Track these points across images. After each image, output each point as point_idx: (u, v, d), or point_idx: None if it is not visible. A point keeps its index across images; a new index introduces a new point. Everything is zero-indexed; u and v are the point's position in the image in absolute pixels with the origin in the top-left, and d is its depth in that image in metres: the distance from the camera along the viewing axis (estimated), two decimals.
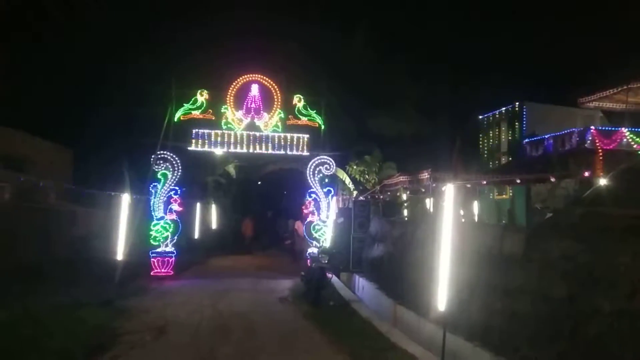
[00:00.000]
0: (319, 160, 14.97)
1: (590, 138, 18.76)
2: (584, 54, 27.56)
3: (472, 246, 5.97)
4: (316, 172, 14.94)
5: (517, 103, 23.80)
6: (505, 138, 24.87)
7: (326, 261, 11.23)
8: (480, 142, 26.42)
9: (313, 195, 15.01)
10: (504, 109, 24.88)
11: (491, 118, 25.97)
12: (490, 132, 25.99)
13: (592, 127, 19.20)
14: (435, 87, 24.51)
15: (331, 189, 15.19)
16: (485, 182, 18.13)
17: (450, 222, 5.44)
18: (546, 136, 20.94)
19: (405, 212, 17.15)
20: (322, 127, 15.18)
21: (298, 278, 12.72)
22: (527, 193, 21.10)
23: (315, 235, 14.87)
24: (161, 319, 9.22)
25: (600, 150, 18.41)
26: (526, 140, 22.47)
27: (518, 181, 15.85)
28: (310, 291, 11.17)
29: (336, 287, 12.45)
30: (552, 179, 13.38)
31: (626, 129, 18.86)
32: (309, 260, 14.01)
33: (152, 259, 14.08)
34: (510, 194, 23.00)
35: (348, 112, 18.60)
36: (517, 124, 23.82)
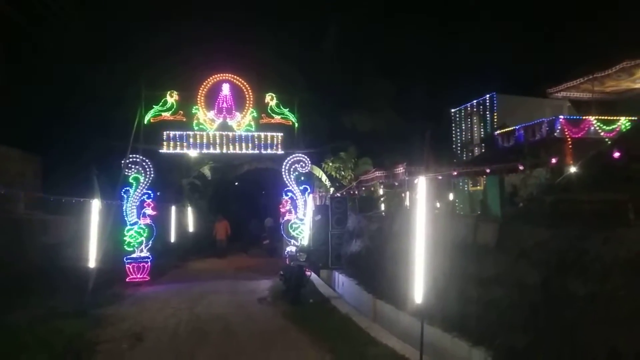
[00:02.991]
0: (294, 159, 14.88)
1: (559, 127, 19.16)
2: (552, 47, 28.14)
3: (446, 237, 6.00)
4: (292, 170, 14.85)
5: (487, 95, 24.13)
6: (477, 130, 25.20)
7: (304, 259, 11.17)
8: (453, 135, 26.72)
9: (289, 194, 14.92)
10: (475, 101, 25.19)
11: (462, 111, 26.26)
12: (463, 124, 26.32)
13: (561, 116, 19.60)
14: (407, 82, 24.66)
15: (307, 186, 15.12)
16: (455, 173, 18.35)
17: (424, 214, 5.46)
18: (517, 127, 21.29)
19: (382, 207, 17.22)
20: (296, 125, 15.11)
21: (276, 277, 12.66)
22: (501, 184, 21.44)
23: (293, 233, 14.80)
24: (138, 325, 9.04)
25: (569, 139, 18.83)
26: (497, 131, 22.82)
27: (488, 171, 16.06)
28: (290, 290, 11.11)
29: (316, 285, 12.43)
30: (521, 167, 13.59)
31: (593, 118, 19.33)
32: (287, 259, 13.93)
33: (127, 265, 13.80)
34: (484, 186, 23.32)
35: (322, 109, 18.53)
36: (488, 115, 24.16)
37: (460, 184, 24.80)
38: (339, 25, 20.81)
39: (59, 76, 15.51)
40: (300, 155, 14.94)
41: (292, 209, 14.88)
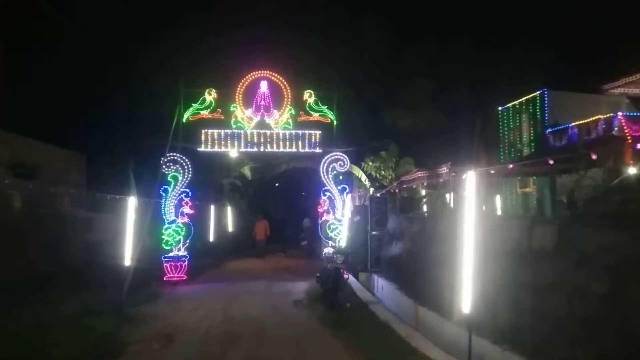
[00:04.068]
0: (332, 157, 14.45)
1: (617, 125, 17.91)
2: (604, 39, 26.41)
3: (497, 240, 5.40)
4: (330, 169, 14.42)
5: (538, 92, 22.89)
6: (527, 129, 23.96)
7: (341, 261, 10.69)
8: (500, 135, 25.54)
9: (327, 194, 14.49)
10: (524, 98, 23.96)
11: (511, 109, 25.07)
12: (511, 123, 25.11)
13: (620, 113, 18.31)
14: (450, 79, 23.76)
15: (346, 186, 14.66)
16: (511, 166, 17.38)
17: (473, 214, 4.89)
18: (570, 125, 20.08)
19: (425, 208, 16.54)
20: (335, 122, 14.67)
21: (314, 280, 12.27)
22: (552, 185, 20.35)
23: (331, 234, 14.36)
24: (170, 326, 8.86)
25: (629, 137, 17.55)
26: (549, 130, 21.62)
27: (551, 162, 15.01)
28: (326, 293, 10.68)
29: (354, 288, 11.93)
30: (593, 156, 12.63)
31: None
32: (324, 261, 13.52)
33: (164, 264, 13.75)
34: (534, 187, 22.19)
35: (362, 107, 18.01)
36: (538, 113, 22.92)
37: (509, 185, 23.70)
38: (379, 17, 20.20)
39: (91, 72, 15.70)
40: (338, 153, 14.49)
41: (330, 210, 14.44)
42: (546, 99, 22.74)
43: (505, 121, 25.50)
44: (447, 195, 17.38)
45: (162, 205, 13.87)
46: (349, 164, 14.60)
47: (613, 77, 21.84)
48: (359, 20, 19.10)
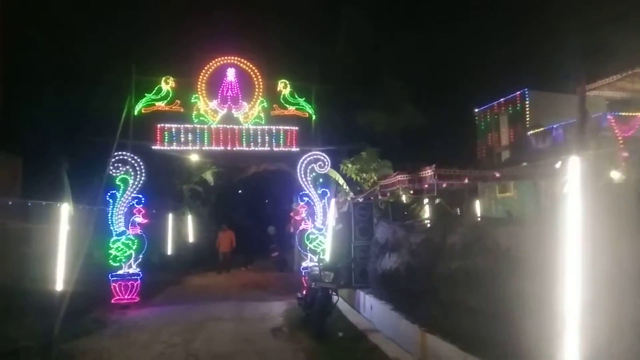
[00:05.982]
0: (312, 157, 12.57)
1: (607, 125, 17.07)
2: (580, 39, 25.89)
3: (603, 257, 3.70)
4: (308, 170, 12.55)
5: (518, 92, 21.92)
6: (506, 131, 22.95)
7: (330, 280, 8.84)
8: (478, 138, 24.46)
9: (306, 199, 12.60)
10: (502, 99, 22.96)
11: (488, 111, 24.06)
12: (490, 125, 24.06)
13: (609, 113, 17.50)
14: (429, 79, 22.66)
15: (327, 190, 12.83)
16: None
17: (580, 220, 3.18)
18: (554, 126, 19.14)
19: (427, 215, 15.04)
20: (314, 117, 12.87)
21: (291, 298, 10.38)
22: (536, 189, 19.44)
23: (310, 246, 12.46)
24: None
25: (620, 138, 16.70)
26: (530, 132, 20.66)
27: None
28: (311, 318, 8.82)
29: (341, 310, 10.08)
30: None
31: None
32: (303, 278, 11.63)
33: (112, 284, 11.50)
34: (515, 192, 21.18)
35: (341, 104, 16.28)
36: (519, 114, 21.94)
37: (486, 190, 22.70)
38: (355, 17, 18.64)
39: (27, 60, 13.27)
40: (318, 153, 12.66)
41: (309, 217, 12.54)
42: (527, 99, 21.84)
43: (483, 123, 24.51)
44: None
45: (110, 214, 11.64)
46: (329, 164, 12.77)
47: (589, 80, 21.33)
48: (336, 13, 17.40)
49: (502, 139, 23.40)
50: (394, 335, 8.89)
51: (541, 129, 20.09)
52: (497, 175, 16.02)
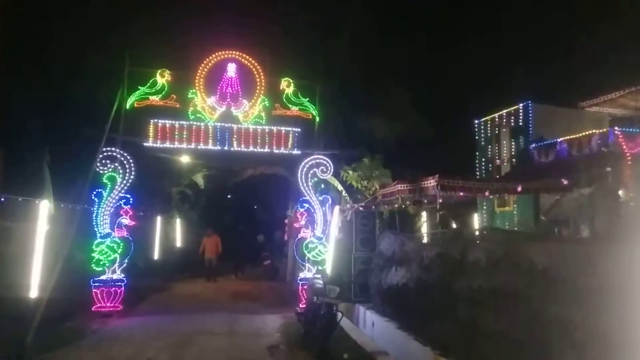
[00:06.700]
0: (314, 161, 11.80)
1: (614, 141, 16.63)
2: (581, 53, 25.75)
3: None
4: (309, 175, 11.79)
5: (521, 104, 21.49)
6: (507, 143, 22.48)
7: (336, 294, 8.07)
8: (478, 150, 23.96)
9: (306, 205, 11.81)
10: (504, 111, 22.52)
11: (489, 122, 23.60)
12: (490, 137, 23.59)
13: (616, 128, 17.08)
14: (431, 89, 22.30)
15: (328, 197, 12.07)
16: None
17: None
18: (559, 140, 18.69)
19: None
20: (317, 119, 12.15)
21: (287, 311, 9.58)
22: (536, 204, 19.05)
23: (309, 255, 11.67)
24: None
25: (628, 154, 16.27)
26: (533, 145, 20.21)
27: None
28: (312, 335, 8.04)
29: (344, 328, 9.29)
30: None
31: None
32: (303, 291, 10.82)
33: (93, 290, 10.59)
34: (514, 206, 20.69)
35: (346, 108, 15.61)
36: (521, 127, 21.50)
37: (484, 203, 22.24)
38: (361, 18, 18.04)
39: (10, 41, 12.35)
40: (321, 157, 11.91)
41: (309, 225, 11.76)
42: (530, 112, 21.41)
43: (483, 134, 24.06)
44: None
45: (94, 214, 10.76)
46: (332, 169, 12.03)
47: (590, 95, 21.16)
48: (342, 13, 16.72)
49: (502, 152, 22.96)
50: (402, 357, 8.19)
51: (544, 142, 19.70)
52: (519, 189, 15.50)
